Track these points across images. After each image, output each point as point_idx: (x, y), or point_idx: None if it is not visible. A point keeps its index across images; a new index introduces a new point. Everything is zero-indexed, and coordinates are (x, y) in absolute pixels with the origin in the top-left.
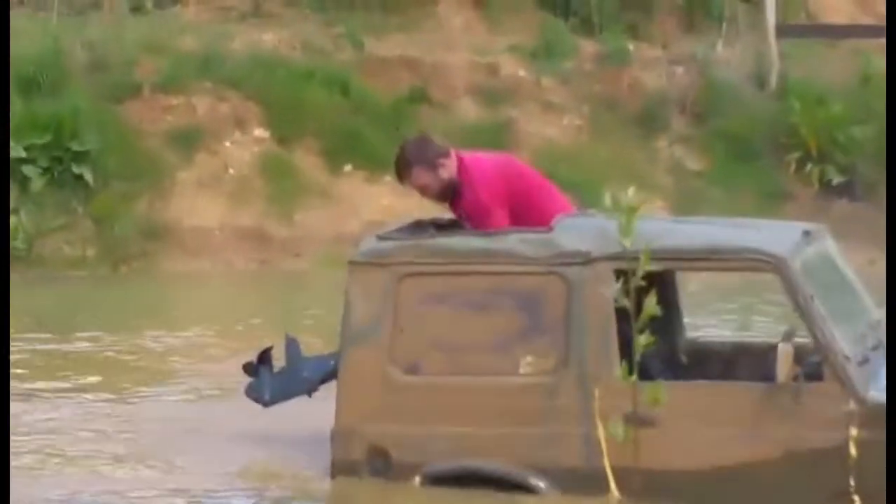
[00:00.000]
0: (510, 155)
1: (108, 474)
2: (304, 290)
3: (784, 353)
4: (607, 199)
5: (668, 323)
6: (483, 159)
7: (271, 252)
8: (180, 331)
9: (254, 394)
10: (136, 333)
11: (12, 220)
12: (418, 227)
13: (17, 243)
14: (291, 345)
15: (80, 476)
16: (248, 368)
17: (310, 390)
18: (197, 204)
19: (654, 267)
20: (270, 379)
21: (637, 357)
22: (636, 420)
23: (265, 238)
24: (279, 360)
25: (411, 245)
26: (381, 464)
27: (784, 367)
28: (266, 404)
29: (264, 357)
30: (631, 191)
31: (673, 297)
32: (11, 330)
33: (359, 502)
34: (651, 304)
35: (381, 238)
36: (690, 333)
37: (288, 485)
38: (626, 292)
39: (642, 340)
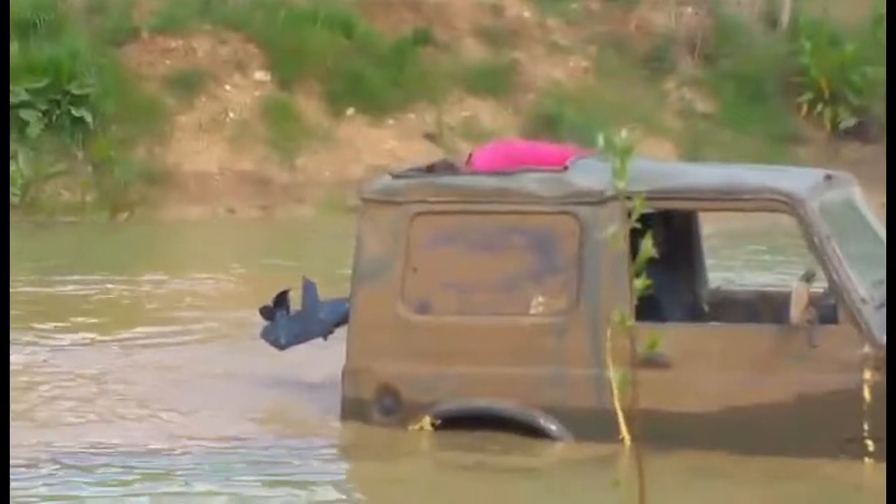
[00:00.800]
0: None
1: (116, 422)
2: (307, 236)
3: (798, 293)
4: (600, 140)
5: (689, 269)
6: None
7: (273, 197)
8: (183, 277)
9: (270, 337)
10: (137, 279)
11: (10, 165)
12: (433, 169)
13: (14, 189)
14: (309, 288)
15: (86, 425)
16: (265, 312)
17: (325, 333)
18: (197, 148)
19: (668, 206)
20: (286, 322)
21: (634, 301)
22: (646, 362)
23: (266, 183)
24: (295, 305)
25: (424, 183)
26: (392, 403)
27: (798, 307)
28: (282, 347)
29: (281, 300)
30: (624, 132)
31: (695, 244)
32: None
33: (369, 445)
34: (647, 246)
35: (394, 176)
36: (714, 282)
37: (299, 428)
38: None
39: (639, 284)
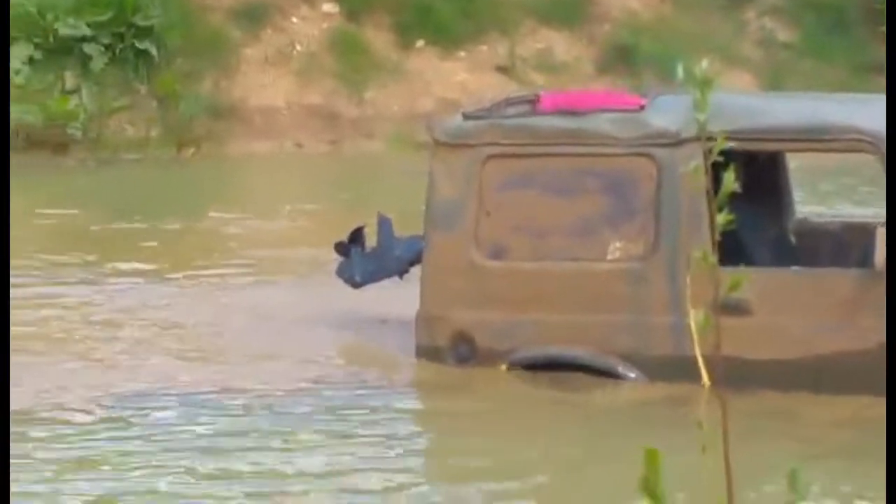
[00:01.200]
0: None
1: (190, 366)
2: (377, 172)
3: (884, 236)
4: (679, 71)
5: (775, 202)
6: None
7: (341, 132)
8: (251, 215)
9: (345, 274)
10: (204, 218)
11: (73, 101)
12: (511, 104)
13: (77, 125)
14: (384, 223)
15: (158, 368)
16: (340, 248)
17: (401, 271)
18: (263, 82)
19: (749, 147)
20: (361, 259)
21: (717, 237)
22: (728, 308)
23: (335, 117)
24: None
25: (496, 124)
26: (466, 350)
27: (884, 252)
28: (357, 285)
29: (356, 236)
30: (705, 62)
31: (782, 179)
32: (77, 213)
33: (444, 387)
34: (729, 181)
35: (465, 116)
36: (801, 214)
37: (373, 370)
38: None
39: (721, 219)
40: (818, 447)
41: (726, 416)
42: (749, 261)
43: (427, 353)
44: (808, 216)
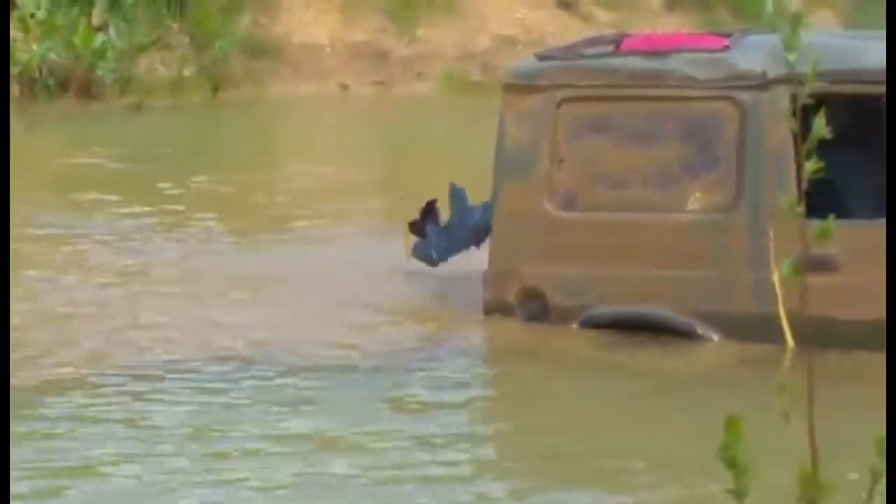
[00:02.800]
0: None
1: (252, 324)
2: (430, 117)
3: None
4: (769, 5)
5: (878, 153)
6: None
7: (390, 72)
8: (296, 165)
9: (421, 254)
10: (246, 169)
11: (100, 37)
12: (592, 44)
13: (106, 63)
14: (457, 195)
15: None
16: (414, 227)
17: (479, 241)
18: (306, 18)
19: (840, 90)
20: (437, 236)
21: (804, 186)
22: (812, 263)
23: (383, 56)
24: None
25: (570, 65)
26: (537, 307)
27: None
28: (434, 264)
29: (429, 212)
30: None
31: (884, 125)
32: (113, 159)
33: (513, 349)
34: (820, 126)
35: (540, 57)
36: None
37: (440, 325)
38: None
39: (810, 167)
40: None
41: (812, 379)
42: (846, 214)
43: (495, 310)
44: None
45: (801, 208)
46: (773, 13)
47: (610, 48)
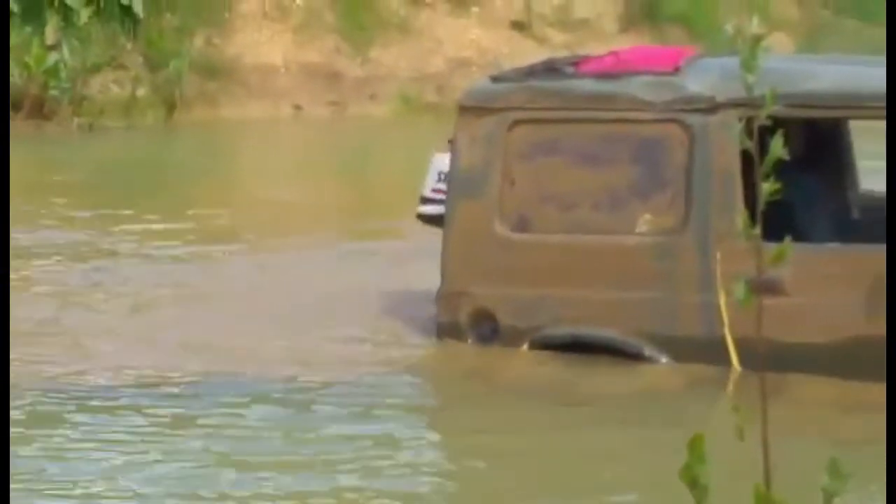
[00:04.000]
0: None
1: (201, 347)
2: (383, 138)
3: None
4: (728, 29)
5: (837, 177)
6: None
7: (344, 93)
8: (249, 185)
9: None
10: (199, 189)
11: (52, 57)
12: (549, 66)
13: (59, 83)
14: None
15: (163, 351)
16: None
17: None
18: (260, 39)
19: (788, 114)
20: None
21: (761, 208)
22: (761, 286)
23: (337, 77)
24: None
25: (522, 87)
26: (489, 329)
27: None
28: None
29: None
30: (755, 19)
31: (844, 149)
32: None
33: (465, 366)
34: (777, 147)
35: (493, 79)
36: (867, 186)
37: (392, 348)
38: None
39: (767, 189)
40: (859, 435)
41: (765, 400)
42: (803, 237)
43: (448, 331)
44: (873, 189)
45: (758, 230)
46: (731, 35)
47: (568, 70)
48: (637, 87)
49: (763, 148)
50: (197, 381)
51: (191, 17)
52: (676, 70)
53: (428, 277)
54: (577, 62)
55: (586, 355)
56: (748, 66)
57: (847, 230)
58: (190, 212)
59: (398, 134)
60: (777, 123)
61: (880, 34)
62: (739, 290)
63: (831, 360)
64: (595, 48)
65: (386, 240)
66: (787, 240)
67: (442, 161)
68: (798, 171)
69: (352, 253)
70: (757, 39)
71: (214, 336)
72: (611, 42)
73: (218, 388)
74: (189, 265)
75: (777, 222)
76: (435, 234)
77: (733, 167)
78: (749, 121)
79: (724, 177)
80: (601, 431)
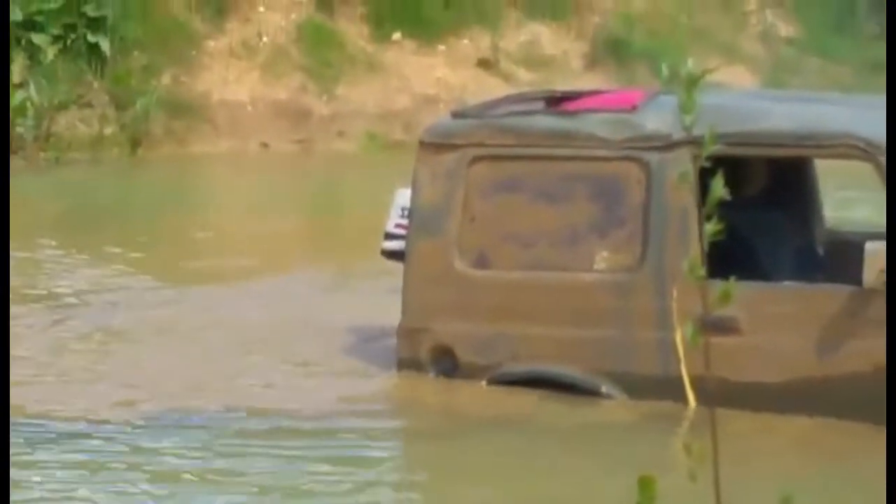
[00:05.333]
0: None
1: (158, 381)
2: (350, 175)
3: (872, 253)
4: (664, 70)
5: (801, 214)
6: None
7: (311, 131)
8: (214, 220)
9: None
10: (166, 226)
11: (19, 94)
12: (512, 102)
13: (26, 122)
14: None
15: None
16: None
17: None
18: (227, 77)
19: (737, 153)
20: None
21: (704, 247)
22: (712, 325)
23: (304, 115)
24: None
25: (482, 124)
26: (448, 365)
27: (872, 269)
28: None
29: None
30: (690, 61)
31: (809, 186)
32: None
33: (421, 405)
34: (717, 188)
35: (454, 115)
36: (832, 224)
37: (351, 383)
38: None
39: (710, 229)
40: (810, 472)
41: (716, 439)
42: (766, 274)
43: (408, 366)
44: (838, 226)
45: (703, 270)
46: (667, 76)
47: (535, 106)
48: (595, 124)
49: (748, 185)
50: (156, 415)
51: (158, 56)
52: (634, 108)
53: (391, 312)
54: (547, 99)
55: (545, 390)
56: (685, 107)
57: (812, 268)
58: (156, 246)
59: (365, 171)
60: (723, 163)
61: (843, 72)
62: (688, 329)
63: (785, 400)
64: (561, 86)
65: (351, 275)
66: (732, 280)
67: (405, 197)
68: (762, 209)
69: (316, 287)
70: (692, 81)
71: (174, 369)
72: (577, 80)
73: (175, 421)
74: (149, 299)
75: (740, 260)
76: (398, 269)
77: (689, 205)
78: (694, 161)
79: (680, 214)
80: (556, 467)
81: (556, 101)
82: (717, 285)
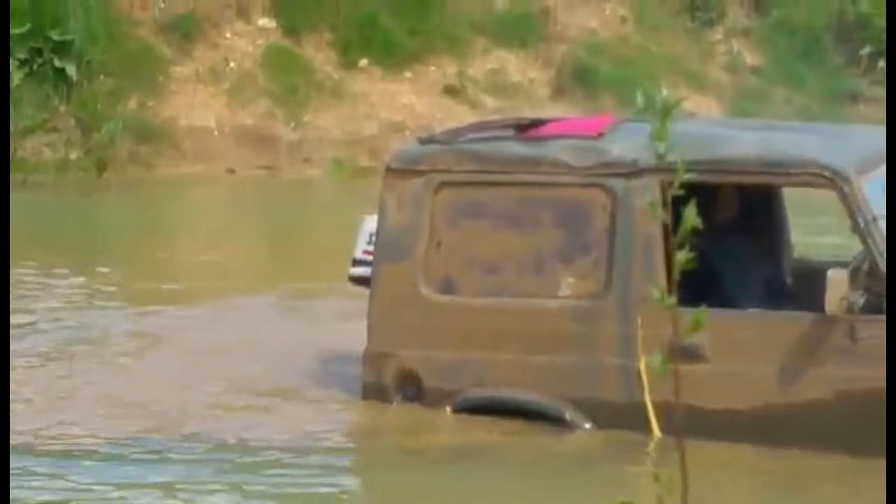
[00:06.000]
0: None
1: (125, 409)
2: (316, 202)
3: (835, 280)
4: (639, 98)
5: (770, 243)
6: None
7: (277, 157)
8: (177, 248)
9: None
10: (129, 250)
11: None
12: (480, 129)
13: None
14: None
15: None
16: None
17: None
18: (194, 102)
19: (700, 179)
20: None
21: (676, 275)
22: (679, 353)
23: (270, 141)
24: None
25: (449, 150)
26: (413, 390)
27: (834, 296)
28: None
29: None
30: (664, 89)
31: (777, 215)
32: None
33: (387, 431)
34: (691, 217)
35: (422, 141)
36: (800, 252)
37: (314, 411)
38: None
39: (681, 258)
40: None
41: (685, 468)
42: (733, 302)
43: (374, 391)
44: (806, 255)
45: (672, 299)
46: (643, 105)
47: (504, 132)
48: (561, 150)
49: (714, 212)
50: (97, 445)
51: (124, 81)
52: (600, 134)
53: (354, 338)
54: (518, 126)
55: (510, 418)
56: (659, 135)
57: (779, 296)
58: (118, 269)
59: (330, 197)
60: (704, 189)
61: (809, 101)
62: (656, 358)
63: (751, 427)
64: (528, 113)
65: (317, 300)
66: (703, 307)
67: (372, 223)
68: (730, 237)
69: (282, 312)
70: (667, 109)
71: (123, 395)
72: (543, 107)
73: (130, 447)
74: (106, 323)
75: (707, 288)
76: (365, 295)
77: (655, 232)
78: (662, 189)
79: (645, 241)
80: (520, 499)
81: (524, 128)
82: (684, 313)
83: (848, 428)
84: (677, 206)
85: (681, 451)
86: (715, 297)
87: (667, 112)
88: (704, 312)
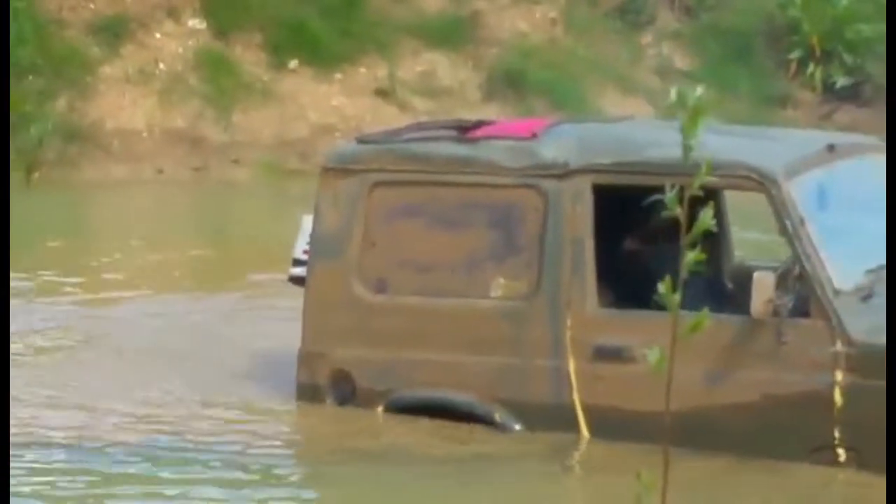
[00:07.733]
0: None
1: (43, 413)
2: (244, 202)
3: (761, 282)
4: (673, 94)
5: (710, 247)
6: None
7: (207, 158)
8: (105, 250)
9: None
10: (56, 253)
11: None
12: (420, 128)
13: None
14: None
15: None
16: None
17: None
18: (122, 103)
19: (629, 181)
20: None
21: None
22: (607, 354)
23: (200, 142)
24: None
25: (384, 150)
26: (346, 390)
27: (760, 299)
28: None
29: None
30: (699, 88)
31: (718, 219)
32: None
33: (318, 434)
34: (706, 218)
35: (359, 141)
36: (740, 257)
37: (245, 413)
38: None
39: (689, 258)
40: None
41: (667, 470)
42: (651, 304)
43: (307, 391)
44: (746, 259)
45: (595, 301)
46: (674, 103)
47: (442, 133)
48: (494, 151)
49: (646, 215)
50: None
51: (53, 81)
52: (534, 136)
53: (285, 339)
54: (461, 127)
55: (440, 419)
56: (688, 130)
57: (718, 300)
58: (45, 271)
59: (259, 199)
60: (637, 191)
61: (740, 105)
62: (654, 352)
63: (679, 430)
64: (458, 116)
65: (251, 299)
66: (619, 314)
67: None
68: (666, 240)
69: (216, 313)
70: (699, 110)
71: (66, 397)
72: (474, 110)
73: (56, 452)
74: (33, 327)
75: (641, 290)
76: (298, 293)
77: (585, 234)
78: (593, 190)
79: (576, 243)
80: (445, 497)
81: (466, 130)
82: (611, 314)
83: (773, 434)
84: (606, 208)
85: (665, 454)
86: (648, 299)
87: (699, 112)
88: (706, 315)
